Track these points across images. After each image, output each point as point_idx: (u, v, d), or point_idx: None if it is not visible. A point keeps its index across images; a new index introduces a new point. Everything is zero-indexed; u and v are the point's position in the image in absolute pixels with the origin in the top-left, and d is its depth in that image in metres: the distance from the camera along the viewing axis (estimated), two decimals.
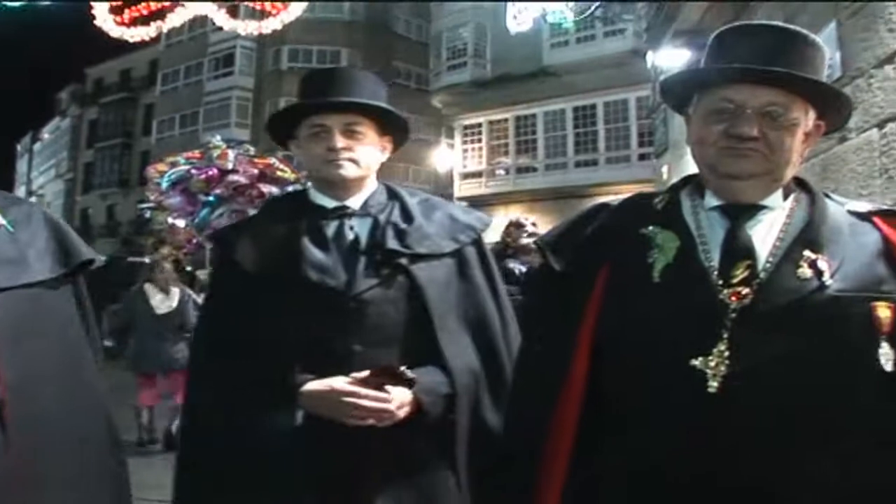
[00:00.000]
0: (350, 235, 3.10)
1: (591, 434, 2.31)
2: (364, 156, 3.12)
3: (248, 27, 21.17)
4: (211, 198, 12.91)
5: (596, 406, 2.32)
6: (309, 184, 3.29)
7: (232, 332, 2.98)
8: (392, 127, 3.25)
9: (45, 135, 68.72)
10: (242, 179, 10.92)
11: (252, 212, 13.35)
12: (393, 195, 3.27)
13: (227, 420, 2.89)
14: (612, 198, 2.76)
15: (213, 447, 2.94)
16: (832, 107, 2.37)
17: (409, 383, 2.80)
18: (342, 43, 41.61)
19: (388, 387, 2.79)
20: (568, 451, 2.33)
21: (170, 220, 15.16)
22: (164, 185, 12.62)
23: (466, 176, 33.30)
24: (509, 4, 17.31)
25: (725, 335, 2.15)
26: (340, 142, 3.06)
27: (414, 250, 3.06)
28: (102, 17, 19.74)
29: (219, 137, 11.18)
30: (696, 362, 2.14)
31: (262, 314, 2.94)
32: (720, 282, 2.21)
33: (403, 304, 3.01)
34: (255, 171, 11.30)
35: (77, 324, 2.33)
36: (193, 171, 13.09)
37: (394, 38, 42.85)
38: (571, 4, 17.10)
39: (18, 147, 74.92)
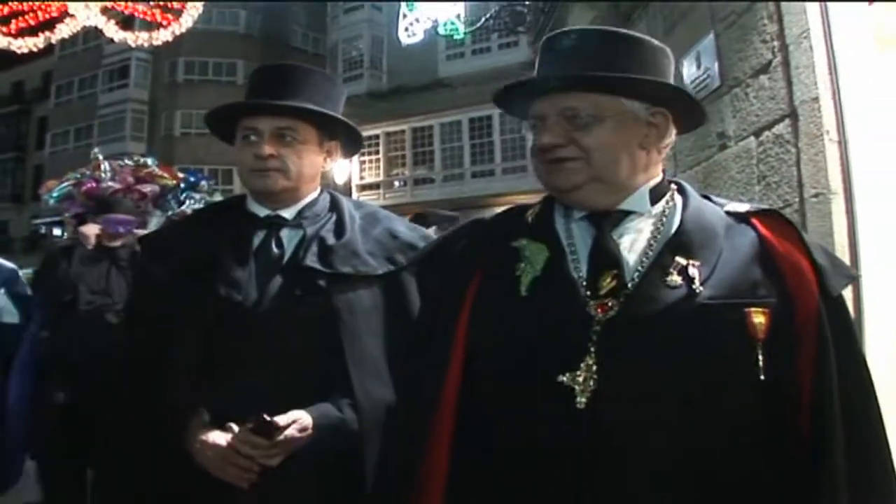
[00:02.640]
0: (275, 249, 2.91)
1: (467, 450, 2.26)
2: (296, 164, 2.91)
3: (138, 39, 20.86)
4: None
5: (471, 422, 2.25)
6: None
7: (139, 344, 2.88)
8: (341, 132, 3.05)
9: None
10: (117, 185, 10.75)
11: (150, 210, 13.18)
12: (334, 206, 3.06)
13: (124, 442, 2.81)
14: (483, 214, 2.74)
15: (118, 467, 2.86)
16: (649, 92, 2.29)
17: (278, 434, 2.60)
18: (239, 55, 41.27)
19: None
20: (444, 470, 2.26)
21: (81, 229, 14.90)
22: (52, 202, 12.41)
23: (364, 188, 33.18)
24: (401, 16, 17.36)
25: (592, 349, 2.08)
26: (269, 148, 2.85)
27: (336, 270, 2.85)
28: None
29: (96, 150, 11.03)
30: (564, 378, 2.07)
31: (168, 326, 2.79)
32: (588, 293, 2.16)
33: (316, 329, 2.78)
34: (131, 178, 11.11)
35: None
36: (75, 187, 12.89)
37: (290, 50, 42.59)
38: (463, 16, 17.21)
39: None
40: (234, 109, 2.98)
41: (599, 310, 2.13)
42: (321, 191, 3.11)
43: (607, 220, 2.27)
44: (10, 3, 19.25)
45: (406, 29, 17.41)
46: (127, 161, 13.36)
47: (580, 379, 2.07)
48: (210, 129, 3.10)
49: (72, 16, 18.88)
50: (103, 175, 11.60)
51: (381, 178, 33.49)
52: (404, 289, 2.91)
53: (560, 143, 2.22)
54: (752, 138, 5.46)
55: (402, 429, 2.43)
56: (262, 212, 3.00)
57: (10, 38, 19.49)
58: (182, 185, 14.35)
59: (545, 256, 2.26)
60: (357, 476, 2.66)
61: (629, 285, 2.16)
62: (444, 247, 2.61)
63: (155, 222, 13.68)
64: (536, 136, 2.27)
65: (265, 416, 2.58)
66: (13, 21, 19.43)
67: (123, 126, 44.23)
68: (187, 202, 14.33)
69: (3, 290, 6.12)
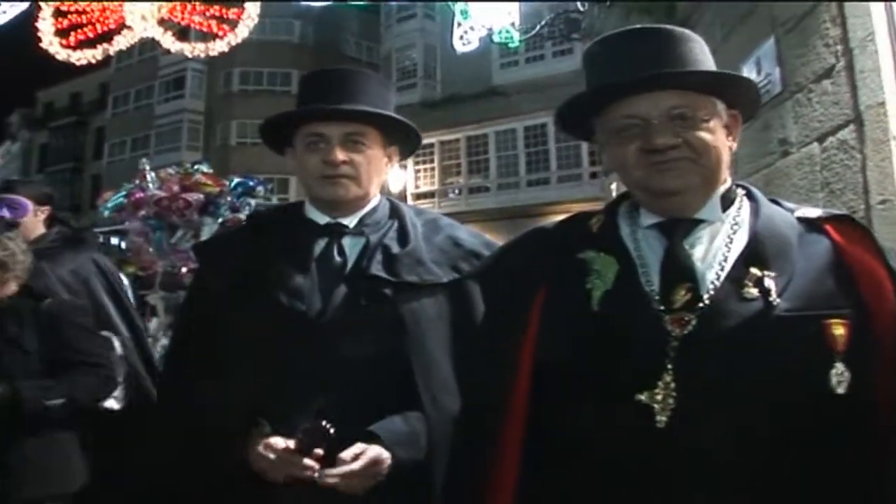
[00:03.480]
0: (337, 257, 2.84)
1: (536, 468, 2.19)
2: (366, 170, 2.85)
3: (195, 50, 20.99)
4: (151, 220, 12.82)
5: (540, 440, 2.19)
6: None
7: (196, 354, 2.82)
8: (400, 136, 2.99)
9: None
10: (162, 193, 10.86)
11: (195, 219, 13.21)
12: (395, 213, 2.99)
13: (180, 458, 2.75)
14: (543, 223, 2.66)
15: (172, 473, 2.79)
16: (736, 93, 2.26)
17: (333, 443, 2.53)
18: (292, 65, 41.41)
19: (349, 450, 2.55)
20: (511, 489, 2.20)
21: (134, 239, 15.07)
22: (106, 213, 12.54)
23: (419, 196, 33.16)
24: (455, 25, 17.31)
25: (670, 366, 2.02)
26: (340, 154, 2.79)
27: (402, 278, 2.77)
28: (48, 40, 19.53)
29: (144, 161, 11.19)
30: (643, 396, 2.01)
31: (228, 336, 2.73)
32: (661, 308, 2.09)
33: (383, 339, 2.70)
34: (177, 187, 11.21)
35: None
36: (127, 198, 13.02)
37: (344, 59, 42.57)
38: (518, 24, 17.13)
39: None
40: (303, 115, 2.89)
41: (675, 325, 2.07)
42: (381, 198, 3.05)
43: (679, 230, 2.21)
44: (69, 17, 19.46)
45: (461, 37, 17.33)
46: (175, 170, 13.46)
47: (659, 397, 2.02)
48: (263, 137, 3.02)
49: (129, 28, 19.04)
50: (150, 185, 11.72)
51: (435, 186, 33.50)
52: (469, 297, 2.81)
53: (676, 143, 2.14)
54: (815, 144, 5.36)
55: (467, 446, 2.37)
56: (323, 219, 2.93)
57: (69, 51, 19.71)
58: (237, 191, 14.44)
59: (615, 269, 2.19)
60: (426, 490, 2.60)
61: (705, 299, 2.09)
62: (506, 257, 2.56)
63: (207, 230, 13.74)
64: (640, 138, 2.18)
65: (323, 423, 2.54)
66: (72, 34, 19.65)
67: (179, 136, 44.58)
68: (244, 208, 14.40)
69: None
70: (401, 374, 2.68)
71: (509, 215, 28.88)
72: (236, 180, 14.89)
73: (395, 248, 2.85)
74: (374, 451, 2.58)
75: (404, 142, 3.05)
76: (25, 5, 17.36)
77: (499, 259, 2.63)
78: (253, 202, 14.45)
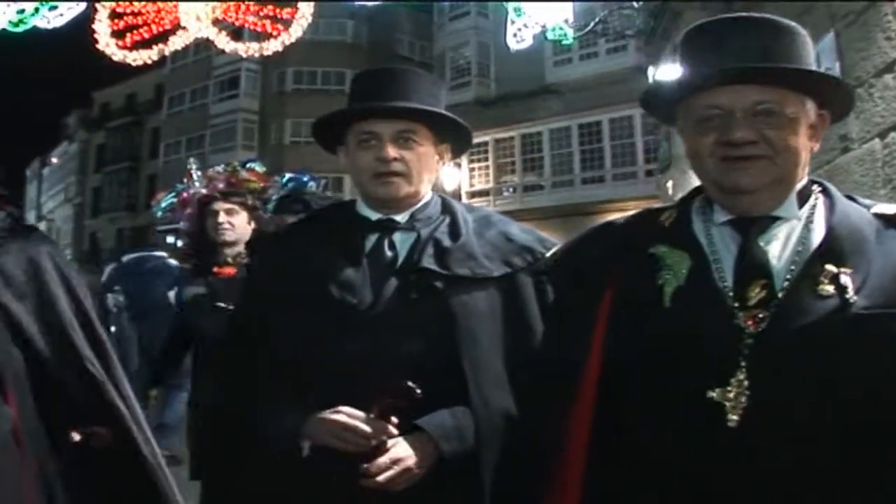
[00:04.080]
0: (388, 252, 2.85)
1: (603, 464, 2.17)
2: (418, 168, 2.85)
3: (249, 49, 21.14)
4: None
5: (607, 434, 2.17)
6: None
7: (250, 347, 2.82)
8: (451, 134, 2.98)
9: (54, 159, 68.70)
10: (204, 191, 10.96)
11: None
12: (446, 209, 2.98)
13: (237, 446, 2.78)
14: (619, 215, 2.64)
15: (229, 469, 2.83)
16: (828, 93, 2.20)
17: (414, 404, 2.52)
18: (346, 64, 41.52)
19: (399, 438, 2.56)
20: (578, 487, 2.18)
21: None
22: (159, 213, 12.69)
23: (474, 195, 33.12)
24: (509, 22, 17.25)
25: (743, 364, 2.00)
26: (392, 152, 2.79)
27: (453, 272, 2.76)
28: (105, 41, 19.74)
29: (191, 160, 11.35)
30: (714, 394, 1.99)
31: (281, 329, 2.75)
32: (736, 304, 2.07)
33: (432, 332, 2.69)
34: (222, 185, 11.34)
35: None
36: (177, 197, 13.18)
37: (397, 58, 42.65)
38: (572, 21, 17.05)
39: (28, 172, 75.01)
40: (355, 113, 2.90)
41: (750, 322, 2.05)
42: (432, 194, 3.04)
43: (755, 227, 2.17)
44: (125, 18, 19.67)
45: (514, 35, 17.27)
46: (223, 168, 13.55)
47: (731, 395, 1.99)
48: (315, 136, 3.05)
49: (184, 28, 19.21)
50: (196, 183, 11.89)
51: (490, 185, 33.48)
52: (521, 292, 2.82)
53: (753, 139, 2.09)
54: (876, 140, 5.27)
55: (531, 445, 2.35)
56: (374, 215, 2.94)
57: (125, 52, 19.92)
58: (288, 187, 14.50)
59: (688, 265, 2.17)
60: (473, 486, 2.57)
61: (779, 296, 2.06)
62: (575, 251, 2.54)
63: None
64: (720, 129, 2.13)
65: (409, 383, 2.51)
66: (128, 35, 19.86)
67: (234, 135, 44.91)
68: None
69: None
70: (450, 368, 2.66)
71: (564, 213, 28.82)
72: (288, 176, 14.92)
73: (447, 242, 2.85)
74: (403, 449, 2.59)
75: (456, 139, 3.04)
76: (82, 7, 17.53)
77: (567, 253, 2.60)
78: (305, 198, 14.51)
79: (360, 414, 2.58)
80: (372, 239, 2.90)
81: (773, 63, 2.11)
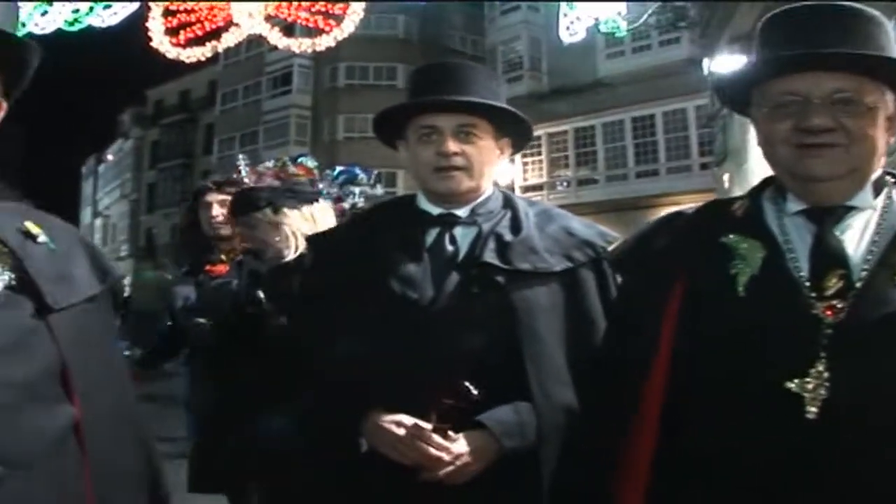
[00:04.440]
0: (449, 246, 2.83)
1: (671, 458, 2.13)
2: (479, 162, 2.83)
3: (302, 45, 21.25)
4: None
5: (675, 427, 2.13)
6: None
7: (309, 341, 2.83)
8: (511, 128, 2.96)
9: (109, 156, 69.41)
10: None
11: None
12: (507, 203, 2.96)
13: (294, 440, 2.80)
14: (679, 207, 2.59)
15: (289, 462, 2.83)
16: None
17: (473, 405, 2.51)
18: (398, 59, 41.63)
19: (459, 435, 2.54)
20: (644, 480, 2.14)
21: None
22: None
23: (527, 189, 33.07)
24: (562, 15, 17.20)
25: (823, 354, 1.95)
26: (452, 146, 2.78)
27: (514, 266, 2.73)
28: (158, 39, 19.93)
29: (241, 157, 11.48)
30: (792, 385, 1.95)
31: (340, 324, 2.74)
32: (812, 294, 2.02)
33: (493, 326, 2.68)
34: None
35: (115, 341, 2.25)
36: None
37: (448, 53, 42.67)
38: (624, 13, 16.97)
39: (83, 169, 75.81)
40: (416, 106, 2.88)
41: (828, 312, 2.00)
42: (493, 189, 3.02)
43: (830, 216, 2.12)
44: (178, 16, 19.83)
45: (567, 28, 17.22)
46: (272, 163, 13.63)
47: (810, 387, 1.95)
48: (375, 130, 3.04)
49: (237, 25, 19.32)
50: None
51: (543, 179, 33.44)
52: (582, 287, 2.79)
53: (830, 126, 2.04)
54: None
55: (596, 437, 2.32)
56: (435, 210, 2.92)
57: (179, 49, 20.09)
58: (338, 180, 14.55)
59: (761, 254, 2.12)
60: (532, 481, 2.55)
61: (857, 286, 2.01)
62: (645, 242, 2.48)
63: None
64: (797, 116, 2.08)
65: (466, 384, 2.50)
66: (181, 32, 20.02)
67: (287, 132, 45.13)
68: (347, 197, 14.50)
69: None
70: (511, 363, 2.63)
71: (618, 207, 28.70)
72: (339, 169, 14.95)
73: (508, 236, 2.82)
74: (464, 444, 2.57)
75: (516, 133, 3.01)
76: (136, 6, 17.69)
77: (635, 245, 2.54)
78: (357, 190, 14.56)
79: (423, 426, 2.55)
80: (433, 233, 2.88)
81: (853, 50, 2.05)
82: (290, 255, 4.10)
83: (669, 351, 2.16)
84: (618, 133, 31.89)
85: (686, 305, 2.17)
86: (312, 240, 3.36)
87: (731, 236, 2.18)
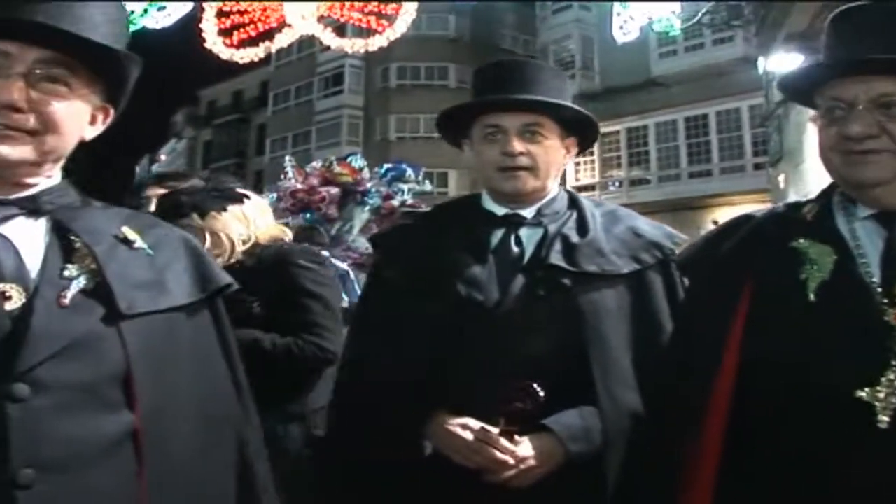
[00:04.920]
0: (515, 247, 2.81)
1: (737, 465, 2.09)
2: (544, 161, 2.81)
3: (354, 45, 21.32)
4: (308, 215, 13.15)
5: (742, 434, 2.09)
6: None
7: (373, 343, 2.82)
8: (578, 127, 2.93)
9: (163, 156, 69.65)
10: (299, 185, 11.16)
11: (332, 212, 13.34)
12: (573, 204, 2.94)
13: (358, 444, 2.75)
14: (727, 209, 2.55)
15: (350, 465, 2.80)
16: None
17: (541, 408, 2.48)
18: (449, 59, 41.68)
19: (525, 438, 2.52)
20: (710, 487, 2.11)
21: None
22: None
23: (579, 189, 32.85)
24: (615, 14, 17.10)
25: (894, 363, 1.91)
26: (518, 145, 2.76)
27: (581, 268, 2.71)
28: (212, 40, 20.06)
29: (288, 157, 11.59)
30: (863, 393, 1.90)
31: (405, 325, 2.74)
32: (884, 300, 1.98)
33: (559, 329, 2.66)
34: (315, 181, 11.54)
35: (215, 352, 2.16)
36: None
37: (500, 53, 42.58)
38: (678, 12, 16.84)
39: (137, 169, 76.46)
40: (481, 106, 2.87)
41: None
42: (559, 189, 2.99)
43: None
44: (231, 17, 19.97)
45: (620, 27, 17.12)
46: (318, 164, 13.69)
47: (881, 395, 1.90)
48: (439, 128, 3.03)
49: (289, 25, 19.41)
50: (291, 179, 12.07)
51: (596, 179, 33.30)
52: (650, 289, 2.77)
53: (873, 133, 2.01)
54: None
55: (662, 442, 2.29)
56: (500, 210, 2.91)
57: (232, 50, 20.21)
58: (387, 177, 14.59)
59: (832, 259, 2.08)
60: (597, 485, 2.53)
61: None
62: (712, 246, 2.44)
63: (359, 219, 13.89)
64: (840, 123, 2.05)
65: (533, 384, 2.47)
66: (235, 33, 20.15)
67: (339, 132, 45.24)
68: (396, 195, 14.52)
69: None
70: (577, 366, 2.60)
71: (671, 208, 28.53)
72: (386, 167, 14.99)
73: (575, 238, 2.80)
74: (529, 448, 2.55)
75: (582, 133, 2.99)
76: (189, 7, 17.81)
77: (703, 248, 2.52)
78: (405, 187, 14.59)
79: (489, 430, 2.53)
80: (498, 234, 2.86)
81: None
82: (225, 260, 3.85)
83: (737, 356, 2.12)
84: (670, 133, 31.71)
85: (754, 310, 2.14)
86: (377, 240, 3.34)
87: (801, 241, 2.15)
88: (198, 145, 62.27)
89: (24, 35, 1.82)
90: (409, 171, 15.33)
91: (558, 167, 2.90)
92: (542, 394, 2.46)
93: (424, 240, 2.94)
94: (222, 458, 2.10)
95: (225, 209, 3.98)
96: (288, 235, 4.22)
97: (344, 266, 11.46)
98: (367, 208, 13.78)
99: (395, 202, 14.14)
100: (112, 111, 2.07)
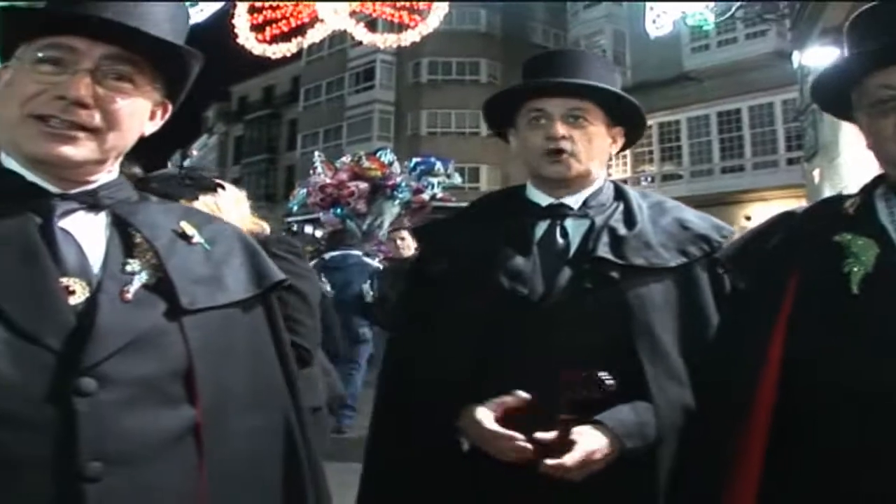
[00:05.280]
0: (560, 239, 2.76)
1: (783, 462, 2.08)
2: (588, 148, 2.75)
3: (386, 40, 21.36)
4: (338, 211, 13.20)
5: (788, 429, 2.08)
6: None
7: (420, 342, 2.77)
8: (624, 116, 2.88)
9: (194, 152, 70.21)
10: (328, 180, 11.28)
11: (361, 207, 13.34)
12: (619, 195, 2.88)
13: (401, 440, 2.73)
14: (760, 204, 2.54)
15: (391, 461, 2.78)
16: None
17: (606, 397, 2.39)
18: (480, 54, 41.69)
19: (582, 428, 2.41)
20: (755, 486, 2.09)
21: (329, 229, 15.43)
22: (295, 208, 13.02)
23: None
24: (647, 9, 17.06)
25: None
26: (561, 129, 2.71)
27: (629, 261, 2.65)
28: (244, 36, 20.14)
29: (317, 153, 11.71)
30: None
31: (447, 318, 2.69)
32: None
33: (607, 324, 2.59)
34: (344, 176, 11.67)
35: (269, 348, 2.16)
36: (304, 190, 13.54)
37: (532, 47, 42.57)
38: (712, 6, 16.77)
39: (169, 164, 76.78)
40: (526, 89, 2.84)
41: None
42: (605, 179, 2.94)
43: None
44: (263, 13, 20.05)
45: (654, 21, 17.08)
46: (347, 159, 13.75)
47: None
48: (486, 118, 3.02)
49: (321, 21, 19.46)
50: (321, 174, 12.22)
51: (627, 174, 33.21)
52: (697, 283, 2.69)
53: None
54: None
55: (706, 445, 2.28)
56: (545, 200, 2.85)
57: (265, 45, 20.30)
58: (416, 171, 14.60)
59: (875, 252, 2.05)
60: (649, 481, 2.49)
61: None
62: (756, 241, 2.43)
63: (389, 213, 13.90)
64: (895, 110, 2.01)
65: (599, 373, 2.38)
66: (267, 28, 20.23)
67: (370, 127, 45.36)
68: (427, 188, 14.55)
69: None
70: (625, 361, 2.53)
71: (703, 203, 28.25)
72: (415, 161, 15.02)
73: (622, 230, 2.72)
74: (592, 442, 2.45)
75: (629, 123, 2.94)
76: (222, 3, 17.89)
77: (748, 243, 2.49)
78: (435, 181, 14.59)
79: (519, 437, 2.46)
80: (543, 226, 2.80)
81: None
82: None
83: (782, 351, 2.10)
84: (703, 128, 31.62)
85: (798, 304, 2.12)
86: (418, 233, 3.34)
87: (844, 235, 2.12)
88: (229, 141, 62.63)
89: (92, 31, 1.83)
90: (438, 165, 15.36)
91: (603, 155, 2.86)
92: (609, 382, 2.38)
93: (468, 231, 2.89)
94: (277, 451, 2.10)
95: (196, 198, 3.93)
96: (265, 231, 4.17)
97: (375, 263, 11.52)
98: (396, 202, 13.81)
99: (426, 196, 14.14)
100: (170, 107, 2.09)
